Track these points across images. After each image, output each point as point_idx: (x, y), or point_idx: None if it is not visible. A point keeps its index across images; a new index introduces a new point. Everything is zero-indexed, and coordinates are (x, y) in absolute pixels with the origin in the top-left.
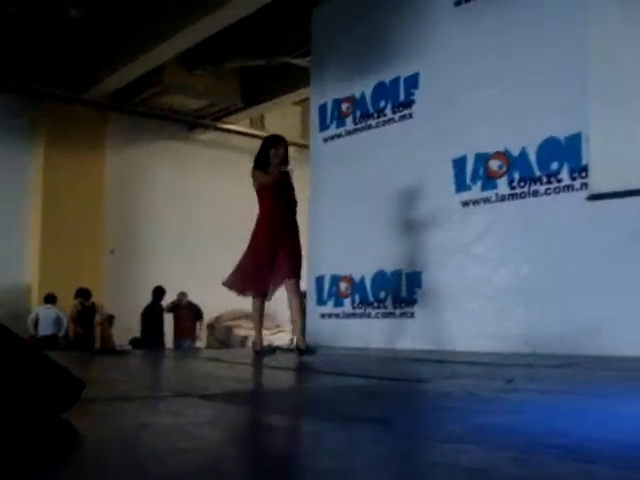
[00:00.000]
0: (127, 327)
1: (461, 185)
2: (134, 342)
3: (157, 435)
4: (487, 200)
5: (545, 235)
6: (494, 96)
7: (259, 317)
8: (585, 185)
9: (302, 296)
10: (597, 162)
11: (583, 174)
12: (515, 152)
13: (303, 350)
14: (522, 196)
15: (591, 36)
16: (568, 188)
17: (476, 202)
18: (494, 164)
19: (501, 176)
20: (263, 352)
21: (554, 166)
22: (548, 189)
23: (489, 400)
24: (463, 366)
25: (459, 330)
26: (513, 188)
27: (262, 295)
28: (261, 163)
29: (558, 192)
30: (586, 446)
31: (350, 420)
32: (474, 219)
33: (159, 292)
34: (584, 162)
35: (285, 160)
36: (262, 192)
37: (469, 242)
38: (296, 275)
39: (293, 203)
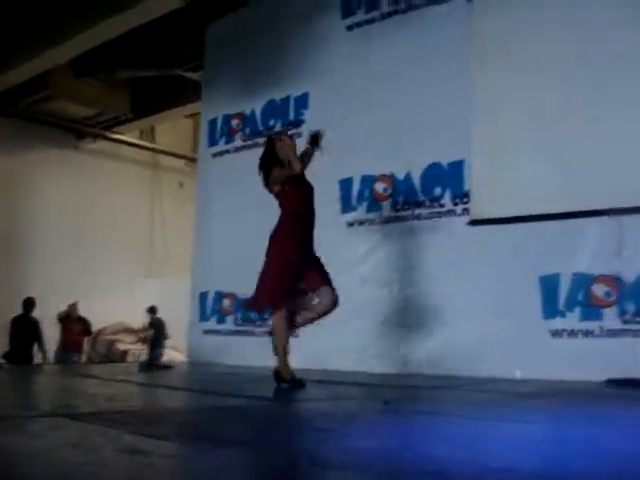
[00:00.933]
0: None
1: (347, 206)
2: (6, 356)
3: (12, 458)
4: (372, 221)
5: (427, 258)
6: (381, 120)
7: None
8: (466, 210)
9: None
10: (478, 189)
11: (465, 199)
12: (400, 176)
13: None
14: (406, 219)
15: (474, 69)
16: (450, 213)
17: (361, 223)
18: (380, 187)
19: (386, 199)
20: (296, 381)
21: (437, 191)
22: (431, 213)
23: (365, 422)
24: (343, 387)
25: (342, 350)
26: (397, 211)
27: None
28: (271, 163)
29: (440, 216)
30: (450, 471)
31: (217, 443)
32: (359, 240)
33: (29, 304)
34: (466, 188)
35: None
36: (290, 191)
37: (354, 262)
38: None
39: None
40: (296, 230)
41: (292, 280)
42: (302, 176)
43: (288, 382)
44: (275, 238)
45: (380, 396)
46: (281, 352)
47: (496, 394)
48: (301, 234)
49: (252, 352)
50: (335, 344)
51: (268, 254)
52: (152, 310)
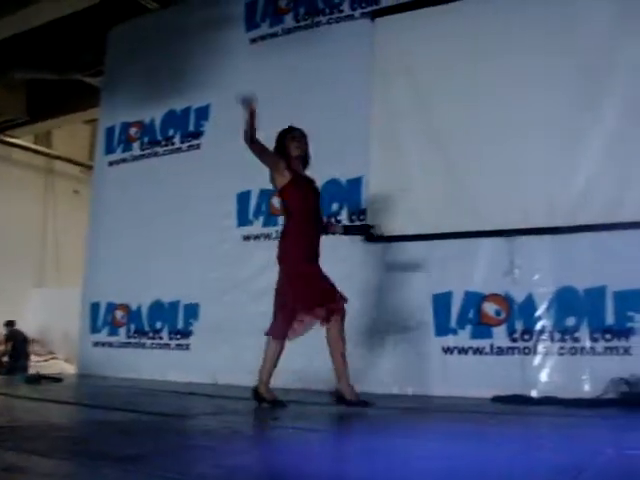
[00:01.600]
0: None
1: (243, 219)
2: None
3: None
4: (268, 236)
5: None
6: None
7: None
8: None
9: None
10: (375, 206)
11: (362, 216)
12: None
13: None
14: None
15: (376, 87)
16: None
17: (257, 237)
18: (276, 201)
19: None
20: (277, 401)
21: (334, 207)
22: None
23: (251, 438)
24: (233, 401)
25: (234, 364)
26: None
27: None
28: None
29: None
30: None
31: (100, 459)
32: (255, 254)
33: None
34: (363, 205)
35: (306, 157)
36: (284, 191)
37: (249, 276)
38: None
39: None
40: (298, 239)
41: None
42: (300, 176)
43: (268, 402)
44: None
45: (270, 412)
46: (267, 369)
47: (384, 410)
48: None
49: (144, 365)
50: (228, 359)
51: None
52: (9, 323)
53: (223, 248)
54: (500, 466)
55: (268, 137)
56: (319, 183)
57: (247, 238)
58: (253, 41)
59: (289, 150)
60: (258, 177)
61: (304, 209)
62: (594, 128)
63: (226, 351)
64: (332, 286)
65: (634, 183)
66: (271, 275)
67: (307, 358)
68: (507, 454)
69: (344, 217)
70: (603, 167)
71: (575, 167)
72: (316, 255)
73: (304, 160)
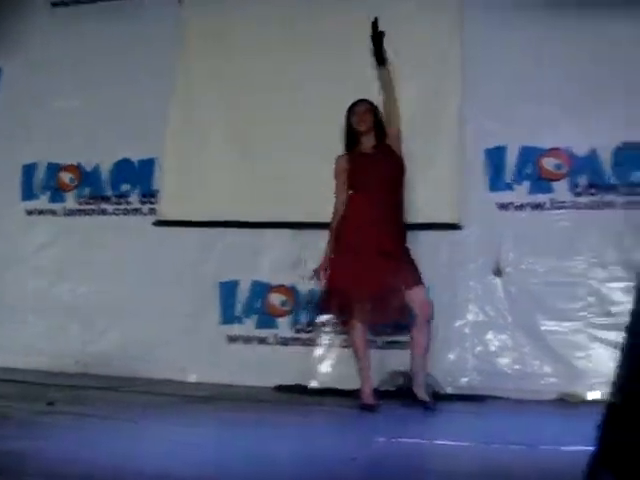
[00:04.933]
0: None
1: (28, 193)
2: None
3: None
4: (54, 212)
5: (110, 254)
6: (76, 107)
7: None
8: (153, 210)
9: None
10: (167, 189)
11: (153, 199)
12: (89, 168)
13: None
14: (90, 213)
15: (179, 70)
16: (136, 211)
17: (42, 212)
18: (65, 176)
19: (71, 189)
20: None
21: (125, 188)
22: (117, 209)
23: (22, 424)
24: (3, 385)
25: (7, 344)
26: (81, 204)
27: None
28: (349, 142)
29: (127, 214)
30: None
31: None
32: (37, 230)
33: None
34: (155, 187)
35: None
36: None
37: (31, 253)
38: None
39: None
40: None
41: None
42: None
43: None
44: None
45: (45, 396)
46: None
47: (164, 397)
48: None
49: None
50: (4, 339)
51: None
52: None
53: (4, 223)
54: (278, 454)
55: (69, 108)
56: (110, 162)
57: (30, 213)
58: (54, 5)
59: (353, 128)
60: (45, 149)
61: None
62: None
63: (3, 331)
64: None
65: (417, 189)
66: (54, 253)
67: (87, 341)
68: (285, 442)
69: (135, 199)
70: None
71: None
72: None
73: (378, 132)
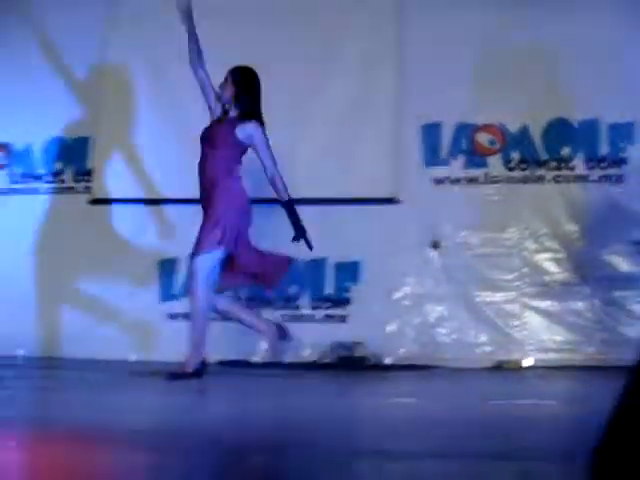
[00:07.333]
0: None
1: None
2: None
3: None
4: None
5: (41, 234)
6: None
7: None
8: (89, 188)
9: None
10: (102, 167)
11: (87, 177)
12: (19, 146)
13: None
14: (24, 192)
15: (110, 42)
16: (71, 190)
17: None
18: None
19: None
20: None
21: (58, 166)
22: (51, 188)
23: None
24: None
25: None
26: (14, 183)
27: None
28: None
29: (62, 192)
30: None
31: None
32: None
33: None
34: (89, 166)
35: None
36: None
37: None
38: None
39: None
40: None
41: None
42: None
43: None
44: None
45: None
46: None
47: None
48: None
49: None
50: None
51: None
52: None
53: None
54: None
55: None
56: (42, 140)
57: None
58: None
59: None
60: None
61: None
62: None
63: None
64: None
65: (353, 164)
66: None
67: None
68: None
69: (68, 177)
70: (323, 147)
71: (297, 145)
72: None
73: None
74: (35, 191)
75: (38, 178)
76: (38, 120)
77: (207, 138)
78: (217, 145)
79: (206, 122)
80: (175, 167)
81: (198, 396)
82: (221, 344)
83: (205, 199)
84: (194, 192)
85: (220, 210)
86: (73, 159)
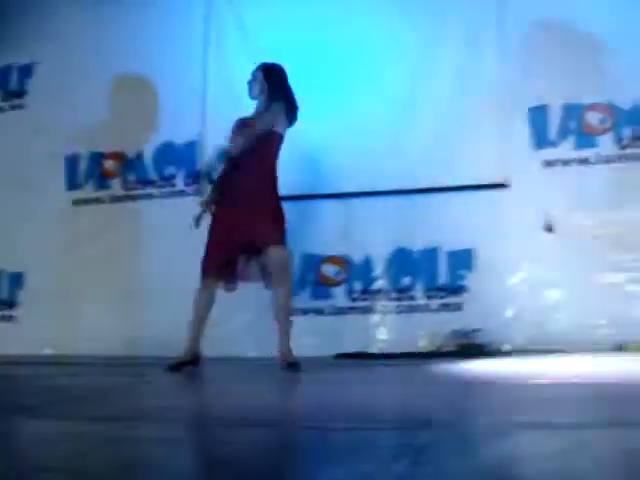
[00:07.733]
0: None
1: (73, 183)
2: None
3: None
4: (100, 200)
5: (156, 239)
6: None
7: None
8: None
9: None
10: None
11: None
12: (131, 154)
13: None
14: (136, 198)
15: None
16: (182, 193)
17: (87, 202)
18: (109, 164)
19: (117, 176)
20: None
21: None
22: (162, 192)
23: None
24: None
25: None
26: (128, 190)
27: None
28: None
29: (173, 196)
30: None
31: None
32: (85, 219)
33: None
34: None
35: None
36: None
37: (78, 242)
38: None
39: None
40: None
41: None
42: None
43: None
44: None
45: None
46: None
47: None
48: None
49: None
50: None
51: None
52: None
53: (51, 212)
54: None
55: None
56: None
57: (77, 203)
58: None
59: None
60: (86, 138)
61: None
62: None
63: (58, 320)
64: None
65: (462, 150)
66: (104, 241)
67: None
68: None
69: (180, 181)
70: (433, 135)
71: (407, 133)
72: None
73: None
74: (149, 196)
75: (150, 183)
76: (148, 128)
77: None
78: None
79: None
80: (285, 164)
81: (353, 383)
82: (339, 338)
83: None
84: (300, 188)
85: None
86: (184, 163)
